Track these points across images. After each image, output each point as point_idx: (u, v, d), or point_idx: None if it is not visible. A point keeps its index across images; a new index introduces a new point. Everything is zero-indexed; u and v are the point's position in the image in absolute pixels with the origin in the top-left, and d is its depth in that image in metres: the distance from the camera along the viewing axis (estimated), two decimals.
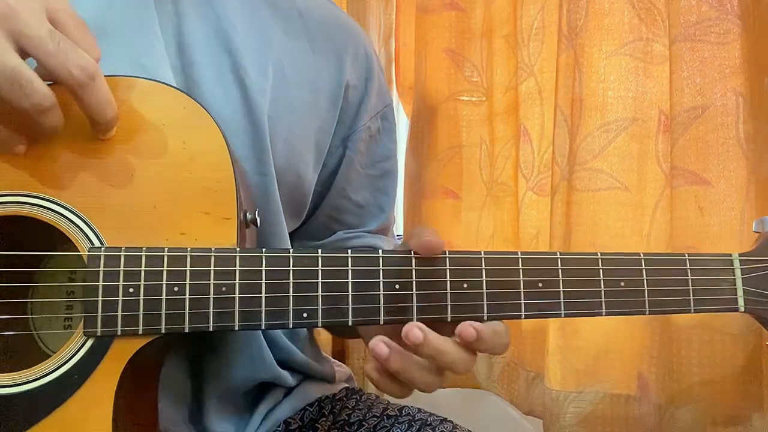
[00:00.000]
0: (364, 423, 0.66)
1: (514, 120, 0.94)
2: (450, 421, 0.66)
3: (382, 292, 0.49)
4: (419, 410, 0.68)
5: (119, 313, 0.46)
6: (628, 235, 0.77)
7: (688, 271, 0.52)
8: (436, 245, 0.49)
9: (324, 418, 0.68)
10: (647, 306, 0.51)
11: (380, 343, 0.47)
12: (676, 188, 0.72)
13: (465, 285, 0.49)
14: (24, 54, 0.43)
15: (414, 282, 0.49)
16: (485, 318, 0.49)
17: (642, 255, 0.52)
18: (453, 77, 1.01)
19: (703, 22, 0.70)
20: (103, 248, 0.47)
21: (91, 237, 0.47)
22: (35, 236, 0.49)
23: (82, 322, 0.46)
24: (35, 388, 0.46)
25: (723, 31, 0.69)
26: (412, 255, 0.49)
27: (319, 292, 0.48)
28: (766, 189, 0.67)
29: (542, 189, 0.90)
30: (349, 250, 0.49)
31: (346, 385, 0.74)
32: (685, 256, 0.52)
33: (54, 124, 0.45)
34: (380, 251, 0.49)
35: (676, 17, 0.71)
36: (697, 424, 0.71)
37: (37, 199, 0.47)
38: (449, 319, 0.49)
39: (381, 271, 0.49)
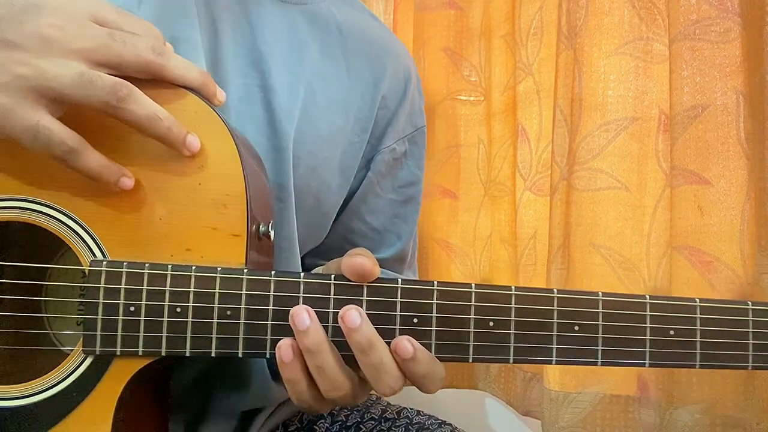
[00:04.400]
0: (361, 426, 0.66)
1: (512, 120, 0.94)
2: (449, 424, 0.65)
3: (398, 326, 0.45)
4: (418, 413, 0.68)
5: (119, 333, 0.44)
6: (628, 235, 0.76)
7: (750, 322, 0.46)
8: (368, 270, 0.44)
9: (322, 420, 0.68)
10: (698, 359, 0.46)
11: (303, 311, 0.43)
12: (675, 188, 0.72)
13: (491, 324, 0.45)
14: (56, 104, 0.42)
15: (434, 317, 0.45)
16: (511, 362, 0.45)
17: (698, 301, 0.46)
18: (451, 76, 1.00)
19: (703, 21, 0.70)
20: (104, 262, 0.45)
21: (92, 248, 0.45)
22: (42, 236, 0.47)
23: (81, 339, 0.45)
24: (33, 404, 0.45)
25: (723, 30, 0.69)
26: (435, 287, 0.45)
27: (330, 322, 0.45)
28: (767, 189, 0.66)
29: (540, 189, 0.89)
30: None
31: None
32: (748, 304, 0.46)
33: (89, 164, 0.43)
34: (399, 280, 0.45)
35: (676, 16, 0.71)
36: (696, 426, 0.71)
37: (38, 205, 0.45)
38: (470, 360, 0.45)
39: (398, 303, 0.45)
